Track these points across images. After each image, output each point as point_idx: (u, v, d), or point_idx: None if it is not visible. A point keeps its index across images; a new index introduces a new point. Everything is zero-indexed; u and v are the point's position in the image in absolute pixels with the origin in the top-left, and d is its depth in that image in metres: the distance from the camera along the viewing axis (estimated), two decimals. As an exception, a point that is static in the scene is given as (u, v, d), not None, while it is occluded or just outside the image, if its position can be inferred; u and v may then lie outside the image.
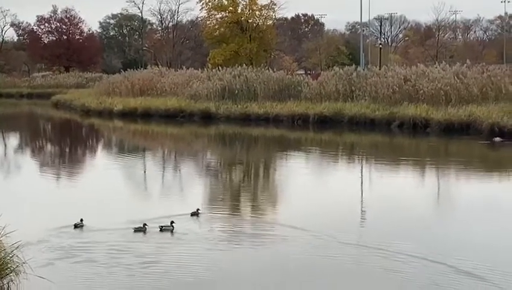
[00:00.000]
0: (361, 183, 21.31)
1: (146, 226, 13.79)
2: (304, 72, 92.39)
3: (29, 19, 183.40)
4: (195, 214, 15.24)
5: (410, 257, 11.85)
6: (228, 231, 14.28)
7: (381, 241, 12.89)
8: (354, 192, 19.19)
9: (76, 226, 14.13)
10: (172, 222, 13.94)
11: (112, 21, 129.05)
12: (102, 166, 26.37)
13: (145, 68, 64.77)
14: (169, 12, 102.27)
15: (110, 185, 20.99)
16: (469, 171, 23.43)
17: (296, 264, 11.75)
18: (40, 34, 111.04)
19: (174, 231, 13.80)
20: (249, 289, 10.75)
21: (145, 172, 24.66)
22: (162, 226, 13.84)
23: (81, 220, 14.28)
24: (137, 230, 13.74)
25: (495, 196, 18.51)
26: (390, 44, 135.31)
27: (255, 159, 28.59)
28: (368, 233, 13.88)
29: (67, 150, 34.19)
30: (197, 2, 73.93)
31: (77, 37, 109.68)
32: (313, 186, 20.68)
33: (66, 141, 38.77)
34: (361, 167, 25.47)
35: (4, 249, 10.21)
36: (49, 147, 36.08)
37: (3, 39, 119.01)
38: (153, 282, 10.82)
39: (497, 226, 14.63)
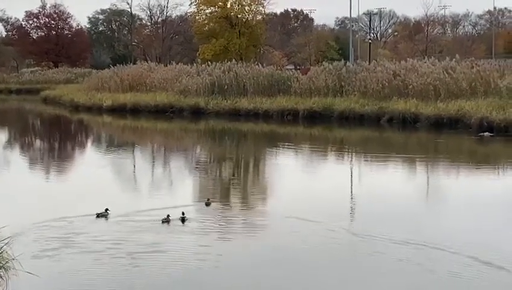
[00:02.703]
0: (356, 177, 21.38)
1: (170, 218, 13.95)
2: (293, 67, 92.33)
3: (17, 14, 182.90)
4: (208, 204, 15.68)
5: (413, 245, 12.14)
6: (232, 222, 14.52)
7: (385, 231, 13.06)
8: (348, 186, 19.21)
9: (98, 215, 14.26)
10: (183, 213, 14.23)
11: (101, 16, 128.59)
12: (93, 161, 26.32)
13: (135, 63, 64.61)
14: (159, 8, 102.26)
15: (101, 178, 20.93)
16: (458, 166, 23.50)
17: (304, 255, 11.86)
18: (29, 30, 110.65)
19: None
20: (256, 277, 10.75)
21: (135, 166, 24.58)
22: (183, 217, 14.05)
23: (106, 209, 14.39)
24: (164, 221, 13.85)
25: (484, 189, 18.61)
26: (379, 39, 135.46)
27: (248, 154, 28.59)
28: (374, 224, 13.87)
29: (57, 145, 34.10)
30: (187, -3, 73.85)
31: (66, 32, 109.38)
32: (306, 180, 20.77)
33: (55, 137, 38.66)
34: (353, 162, 25.50)
35: (-7, 245, 10.18)
36: (38, 142, 35.96)
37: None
38: (149, 273, 10.80)
39: (487, 215, 14.87)
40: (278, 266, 11.20)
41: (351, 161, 25.87)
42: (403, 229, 13.33)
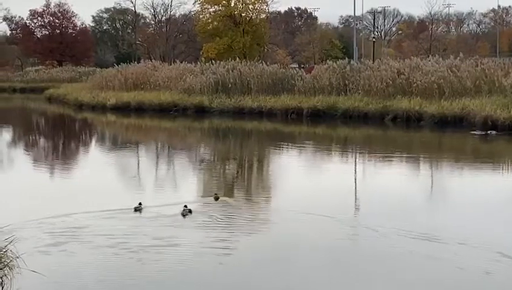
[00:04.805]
0: (364, 174, 21.33)
1: (187, 209, 14.32)
2: (297, 65, 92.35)
3: (22, 13, 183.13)
4: (216, 199, 15.89)
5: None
6: (241, 216, 14.52)
7: (401, 226, 13.00)
8: (356, 183, 19.20)
9: (136, 209, 14.54)
10: (185, 206, 14.49)
11: (105, 15, 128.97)
12: (98, 159, 26.38)
13: (139, 62, 64.65)
14: (163, 6, 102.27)
15: (107, 176, 20.91)
16: (466, 164, 23.45)
17: (317, 251, 11.82)
18: (33, 28, 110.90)
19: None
20: (267, 273, 10.68)
21: (142, 164, 24.56)
22: (189, 209, 14.37)
23: (140, 203, 14.70)
24: (184, 215, 14.13)
25: (495, 187, 18.52)
26: (383, 37, 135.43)
27: (253, 152, 28.56)
28: (388, 220, 13.80)
29: (61, 143, 34.09)
30: (191, -4, 73.94)
31: (70, 31, 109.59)
32: (313, 178, 20.76)
33: (60, 135, 38.67)
34: (359, 160, 25.46)
35: (-3, 244, 10.19)
36: (43, 140, 35.97)
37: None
38: (157, 269, 10.75)
39: (503, 212, 14.89)
40: (288, 263, 11.15)
41: (357, 159, 25.83)
42: (420, 225, 13.18)
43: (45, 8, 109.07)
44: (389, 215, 14.26)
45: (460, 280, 10.28)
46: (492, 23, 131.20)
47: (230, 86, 45.68)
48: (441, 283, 10.05)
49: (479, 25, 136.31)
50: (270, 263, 11.16)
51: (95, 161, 25.63)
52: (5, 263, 9.88)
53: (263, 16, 74.04)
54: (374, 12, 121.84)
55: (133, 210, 14.49)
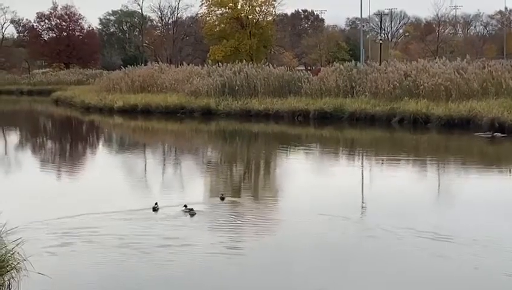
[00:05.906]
0: (372, 176, 21.31)
1: (192, 209, 14.52)
2: (304, 68, 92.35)
3: (29, 15, 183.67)
4: (222, 199, 16.07)
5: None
6: (248, 216, 14.58)
7: (415, 226, 13.02)
8: (365, 184, 19.19)
9: (154, 209, 14.80)
10: (185, 205, 14.68)
11: (112, 17, 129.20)
12: (106, 161, 26.43)
13: (145, 65, 64.75)
14: (170, 9, 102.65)
15: (115, 178, 21.00)
16: (469, 165, 23.43)
17: (330, 251, 11.87)
18: (40, 31, 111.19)
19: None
20: (280, 273, 10.70)
21: (151, 166, 24.55)
22: (191, 208, 14.56)
23: (156, 203, 14.96)
24: (192, 215, 14.32)
25: (503, 188, 18.49)
26: (390, 39, 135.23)
27: (260, 155, 28.54)
28: (401, 220, 13.84)
29: (68, 145, 34.16)
30: (197, -2, 74.10)
31: (77, 33, 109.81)
32: (322, 179, 20.78)
33: (67, 137, 38.74)
34: (367, 162, 25.44)
35: (5, 246, 10.19)
36: (51, 143, 36.03)
37: (3, 36, 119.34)
38: (166, 269, 10.77)
39: (495, 212, 14.86)
40: (295, 263, 11.17)
41: (364, 160, 25.81)
42: (429, 225, 13.18)
43: (52, 11, 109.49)
44: (398, 215, 14.27)
45: (472, 279, 10.28)
46: (499, 25, 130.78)
47: (237, 88, 45.70)
48: (449, 283, 10.08)
49: (486, 27, 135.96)
50: (278, 263, 11.17)
51: (103, 163, 25.70)
52: (12, 265, 9.90)
53: (270, 18, 74.15)
54: (380, 15, 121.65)
55: (150, 210, 14.65)
